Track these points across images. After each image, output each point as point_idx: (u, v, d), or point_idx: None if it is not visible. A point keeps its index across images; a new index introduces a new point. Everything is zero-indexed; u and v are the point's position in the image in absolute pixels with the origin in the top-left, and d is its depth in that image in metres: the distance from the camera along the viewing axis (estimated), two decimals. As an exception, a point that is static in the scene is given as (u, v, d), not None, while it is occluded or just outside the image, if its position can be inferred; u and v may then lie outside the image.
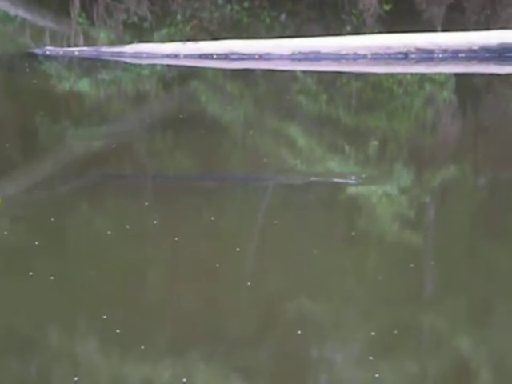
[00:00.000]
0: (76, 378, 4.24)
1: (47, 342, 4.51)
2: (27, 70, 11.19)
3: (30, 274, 5.19)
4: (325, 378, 4.30)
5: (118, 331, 4.53)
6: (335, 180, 6.69)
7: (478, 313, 4.89)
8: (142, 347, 4.41)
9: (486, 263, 5.43)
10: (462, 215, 6.27)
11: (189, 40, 11.75)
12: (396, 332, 4.61)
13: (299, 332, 4.54)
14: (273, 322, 4.76)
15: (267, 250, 5.61)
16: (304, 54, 11.27)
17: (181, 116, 9.04)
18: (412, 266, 5.34)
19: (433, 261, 5.51)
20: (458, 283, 5.16)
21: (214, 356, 4.37)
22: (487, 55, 11.10)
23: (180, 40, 11.87)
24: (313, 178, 6.72)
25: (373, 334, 4.59)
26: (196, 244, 5.61)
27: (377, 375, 4.23)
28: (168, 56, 11.42)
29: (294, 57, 11.26)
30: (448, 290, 5.09)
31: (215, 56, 11.34)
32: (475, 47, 11.12)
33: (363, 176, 6.84)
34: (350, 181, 6.71)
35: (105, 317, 4.73)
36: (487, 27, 12.05)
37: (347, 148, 7.81)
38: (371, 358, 4.39)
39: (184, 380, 4.15)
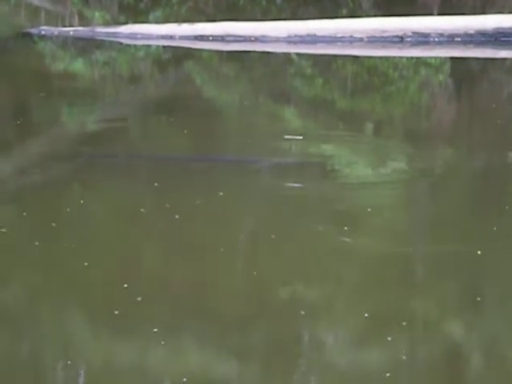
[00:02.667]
0: (68, 362, 4.24)
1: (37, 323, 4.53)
2: (22, 49, 11.14)
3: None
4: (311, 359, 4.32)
5: (116, 312, 4.55)
6: (322, 161, 6.70)
7: (470, 298, 4.90)
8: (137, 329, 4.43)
9: (478, 248, 5.45)
10: (453, 198, 6.28)
11: (184, 21, 11.70)
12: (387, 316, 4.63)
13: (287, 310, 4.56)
14: (264, 301, 4.78)
15: (256, 230, 5.61)
16: (300, 36, 11.24)
17: (175, 97, 9.02)
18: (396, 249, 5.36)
19: (416, 246, 5.52)
20: (447, 269, 5.18)
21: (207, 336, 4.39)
22: (483, 39, 11.08)
23: (175, 21, 11.83)
24: (304, 160, 6.72)
25: (366, 315, 4.61)
26: (181, 225, 5.62)
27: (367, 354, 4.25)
28: (163, 37, 11.38)
29: (290, 39, 11.23)
30: (435, 275, 5.11)
31: (211, 38, 11.30)
32: (471, 31, 11.10)
33: (355, 159, 6.85)
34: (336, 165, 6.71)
35: (97, 300, 4.74)
36: (483, 11, 12.02)
37: (341, 131, 7.80)
38: (363, 340, 4.41)
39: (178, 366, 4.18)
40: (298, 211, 5.92)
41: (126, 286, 4.81)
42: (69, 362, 4.20)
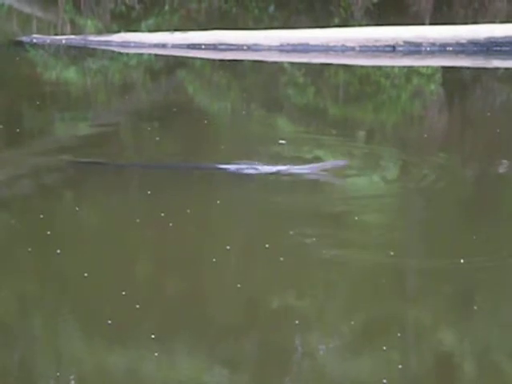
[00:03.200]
0: (61, 369, 4.22)
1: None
2: (14, 57, 11.12)
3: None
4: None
5: (109, 322, 4.53)
6: (314, 170, 6.69)
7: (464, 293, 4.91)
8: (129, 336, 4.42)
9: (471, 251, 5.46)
10: (442, 207, 6.28)
11: (177, 30, 11.72)
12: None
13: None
14: (256, 309, 4.77)
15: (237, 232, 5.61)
16: (292, 45, 11.26)
17: (167, 107, 9.02)
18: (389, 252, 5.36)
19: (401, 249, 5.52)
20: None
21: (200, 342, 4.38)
22: (475, 49, 11.12)
23: (168, 30, 11.84)
24: (296, 168, 6.72)
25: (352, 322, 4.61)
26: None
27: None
28: (156, 46, 11.38)
29: (283, 48, 11.25)
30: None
31: (203, 46, 11.31)
32: (463, 41, 11.14)
33: (348, 166, 6.84)
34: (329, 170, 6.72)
35: (91, 308, 4.72)
36: (475, 21, 12.08)
37: (333, 138, 7.80)
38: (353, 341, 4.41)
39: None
40: (289, 220, 5.92)
41: (124, 293, 4.81)
42: (61, 370, 4.17)
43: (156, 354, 4.29)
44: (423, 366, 4.37)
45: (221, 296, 4.94)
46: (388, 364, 4.33)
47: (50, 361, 4.35)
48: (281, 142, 6.62)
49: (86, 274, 5.03)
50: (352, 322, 4.66)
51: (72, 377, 4.19)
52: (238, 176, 6.67)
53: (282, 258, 5.27)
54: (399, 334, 4.55)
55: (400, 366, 4.32)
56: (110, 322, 4.56)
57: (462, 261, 5.25)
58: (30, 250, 5.38)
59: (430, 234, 5.86)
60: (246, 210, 6.11)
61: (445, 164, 7.15)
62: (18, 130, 7.96)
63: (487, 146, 7.79)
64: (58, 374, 4.20)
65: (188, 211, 5.92)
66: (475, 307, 4.84)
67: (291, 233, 5.63)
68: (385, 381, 4.13)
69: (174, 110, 8.83)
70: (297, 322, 4.62)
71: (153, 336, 4.43)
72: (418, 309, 4.86)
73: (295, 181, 6.62)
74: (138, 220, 5.81)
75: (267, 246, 5.44)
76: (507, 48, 11.06)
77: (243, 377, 4.28)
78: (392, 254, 5.40)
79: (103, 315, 4.62)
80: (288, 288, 5.00)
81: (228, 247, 5.47)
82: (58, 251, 5.34)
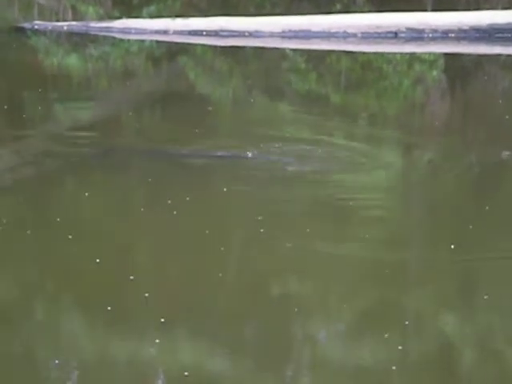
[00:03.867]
0: (57, 361, 4.24)
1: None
2: (15, 44, 11.10)
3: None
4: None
5: (108, 308, 4.54)
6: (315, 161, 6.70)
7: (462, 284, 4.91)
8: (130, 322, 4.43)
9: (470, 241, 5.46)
10: (445, 192, 6.28)
11: (178, 16, 11.69)
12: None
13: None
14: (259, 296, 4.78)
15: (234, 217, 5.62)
16: (294, 31, 11.23)
17: (168, 92, 9.01)
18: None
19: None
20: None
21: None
22: (477, 35, 11.09)
23: (169, 16, 11.82)
24: (295, 156, 6.72)
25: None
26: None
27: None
28: (157, 32, 11.35)
29: (285, 34, 11.22)
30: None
31: (205, 33, 11.28)
32: (465, 27, 11.11)
33: (347, 154, 6.84)
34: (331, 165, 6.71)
35: (92, 295, 4.74)
36: (477, 7, 12.03)
37: (333, 125, 7.80)
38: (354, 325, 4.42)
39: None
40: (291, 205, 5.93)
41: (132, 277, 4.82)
42: (64, 355, 4.19)
43: (159, 337, 4.31)
44: (426, 351, 4.38)
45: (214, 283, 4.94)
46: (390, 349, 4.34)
47: (50, 347, 4.37)
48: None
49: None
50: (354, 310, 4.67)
51: (70, 364, 4.21)
52: (245, 162, 6.67)
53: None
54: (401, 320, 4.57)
55: (400, 347, 4.33)
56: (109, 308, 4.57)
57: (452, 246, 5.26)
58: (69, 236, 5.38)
59: (429, 222, 5.86)
60: (251, 194, 6.11)
61: (446, 150, 7.14)
62: (18, 117, 7.96)
63: (490, 132, 7.77)
64: (57, 361, 4.22)
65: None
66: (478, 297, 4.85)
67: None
68: (394, 367, 4.16)
69: (175, 96, 8.82)
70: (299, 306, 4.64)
71: (162, 320, 4.45)
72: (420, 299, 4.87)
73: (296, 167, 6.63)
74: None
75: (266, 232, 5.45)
76: (509, 34, 11.03)
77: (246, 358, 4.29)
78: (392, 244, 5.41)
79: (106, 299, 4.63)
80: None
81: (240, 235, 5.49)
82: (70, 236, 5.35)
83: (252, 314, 4.62)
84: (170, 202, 5.79)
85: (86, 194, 6.05)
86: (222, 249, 5.23)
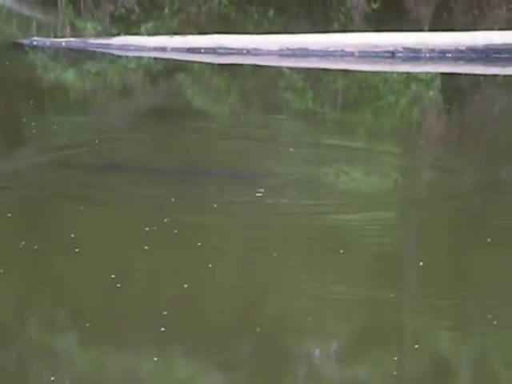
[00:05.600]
0: (52, 378, 4.21)
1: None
2: (13, 60, 11.12)
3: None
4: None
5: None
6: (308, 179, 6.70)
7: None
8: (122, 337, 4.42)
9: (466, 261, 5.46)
10: (441, 215, 6.28)
11: (176, 33, 11.73)
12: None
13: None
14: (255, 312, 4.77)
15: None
16: (292, 50, 11.27)
17: (166, 109, 9.02)
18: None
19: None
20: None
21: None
22: (474, 56, 11.14)
23: (167, 33, 11.85)
24: (290, 177, 6.73)
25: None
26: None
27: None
28: (155, 49, 11.39)
29: (282, 53, 11.26)
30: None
31: (203, 50, 11.32)
32: (462, 47, 11.16)
33: (346, 172, 6.85)
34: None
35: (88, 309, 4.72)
36: (474, 27, 12.09)
37: (330, 145, 7.80)
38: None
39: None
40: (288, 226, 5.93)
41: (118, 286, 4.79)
42: (56, 372, 4.17)
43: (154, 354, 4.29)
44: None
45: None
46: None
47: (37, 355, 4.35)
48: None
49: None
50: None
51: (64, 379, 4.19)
52: (244, 180, 6.67)
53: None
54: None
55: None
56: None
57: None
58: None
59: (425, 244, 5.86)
60: (249, 214, 6.11)
61: (443, 169, 7.16)
62: (15, 132, 7.96)
63: (486, 152, 7.79)
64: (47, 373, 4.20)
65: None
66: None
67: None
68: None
69: (172, 113, 8.82)
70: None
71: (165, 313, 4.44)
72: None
73: (293, 187, 6.63)
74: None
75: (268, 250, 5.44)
76: (506, 55, 11.08)
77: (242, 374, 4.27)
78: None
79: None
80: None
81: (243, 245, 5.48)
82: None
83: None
84: (166, 220, 5.79)
85: (85, 210, 6.04)
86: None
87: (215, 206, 6.08)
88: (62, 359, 4.35)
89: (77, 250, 5.37)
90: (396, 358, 4.36)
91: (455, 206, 6.40)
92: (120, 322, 4.63)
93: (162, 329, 4.49)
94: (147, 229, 5.66)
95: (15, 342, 4.43)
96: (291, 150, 7.56)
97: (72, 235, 5.58)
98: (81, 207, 6.08)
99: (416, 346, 4.45)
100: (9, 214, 5.94)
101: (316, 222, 5.96)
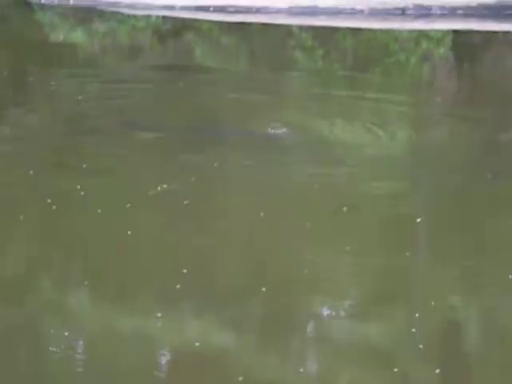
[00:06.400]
0: (66, 333, 4.25)
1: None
2: (21, 18, 11.07)
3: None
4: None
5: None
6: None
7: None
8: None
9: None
10: (451, 171, 6.25)
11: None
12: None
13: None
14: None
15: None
16: (301, 8, 11.17)
17: (175, 68, 8.99)
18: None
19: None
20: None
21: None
22: (485, 12, 11.02)
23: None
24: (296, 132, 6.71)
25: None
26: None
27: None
28: (164, 7, 11.31)
29: (292, 11, 11.16)
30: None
31: (212, 8, 11.23)
32: (473, 4, 11.03)
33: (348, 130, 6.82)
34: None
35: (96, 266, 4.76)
36: (486, -16, 11.94)
37: (336, 104, 7.76)
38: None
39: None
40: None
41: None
42: (69, 325, 4.21)
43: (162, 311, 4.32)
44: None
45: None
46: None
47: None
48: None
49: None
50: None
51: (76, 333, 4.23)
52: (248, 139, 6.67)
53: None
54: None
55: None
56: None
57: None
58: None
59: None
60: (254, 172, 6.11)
61: (452, 128, 7.12)
62: (22, 92, 7.94)
63: (497, 109, 7.74)
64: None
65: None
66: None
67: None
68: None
69: (181, 73, 8.79)
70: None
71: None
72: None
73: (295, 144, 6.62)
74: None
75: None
76: (518, 12, 10.96)
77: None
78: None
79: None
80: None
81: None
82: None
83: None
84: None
85: (96, 168, 6.04)
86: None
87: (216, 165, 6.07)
88: (80, 311, 4.39)
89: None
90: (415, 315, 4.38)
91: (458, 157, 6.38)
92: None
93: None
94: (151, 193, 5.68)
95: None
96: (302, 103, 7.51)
97: (82, 193, 5.60)
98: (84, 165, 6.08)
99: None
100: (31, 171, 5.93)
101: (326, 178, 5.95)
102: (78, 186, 5.60)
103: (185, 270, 4.64)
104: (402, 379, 3.91)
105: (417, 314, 4.33)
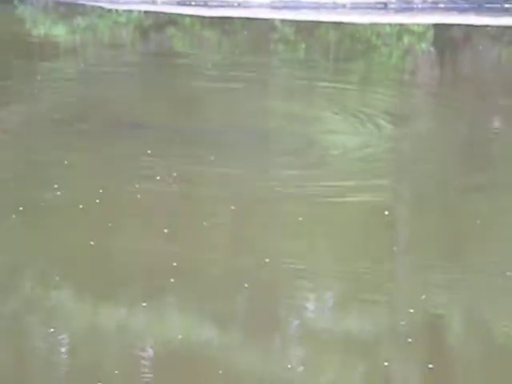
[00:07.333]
0: (51, 330, 4.24)
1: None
2: (2, 14, 11.01)
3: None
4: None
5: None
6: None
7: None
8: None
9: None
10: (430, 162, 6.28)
11: (167, -14, 11.60)
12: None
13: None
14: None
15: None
16: (284, 2, 11.17)
17: (155, 63, 8.96)
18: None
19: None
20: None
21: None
22: (466, 6, 11.06)
23: (158, -14, 11.72)
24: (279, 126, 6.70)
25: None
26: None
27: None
28: (145, 2, 11.27)
29: (274, 5, 11.16)
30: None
31: (193, 3, 11.20)
32: (455, -3, 11.09)
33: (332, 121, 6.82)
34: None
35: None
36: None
37: (320, 96, 7.76)
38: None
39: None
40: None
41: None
42: (53, 324, 4.20)
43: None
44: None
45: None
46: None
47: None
48: None
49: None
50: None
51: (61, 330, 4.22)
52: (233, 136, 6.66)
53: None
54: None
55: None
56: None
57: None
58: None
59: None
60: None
61: (434, 121, 7.15)
62: (3, 87, 7.90)
63: (477, 102, 7.77)
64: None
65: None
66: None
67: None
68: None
69: (162, 67, 8.77)
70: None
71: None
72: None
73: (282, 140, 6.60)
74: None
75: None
76: (498, 5, 11.01)
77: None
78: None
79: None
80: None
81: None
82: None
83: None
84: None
85: (78, 159, 6.01)
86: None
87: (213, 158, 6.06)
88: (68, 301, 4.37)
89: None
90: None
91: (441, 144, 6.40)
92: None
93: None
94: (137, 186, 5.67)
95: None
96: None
97: (58, 193, 5.56)
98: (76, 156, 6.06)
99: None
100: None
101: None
102: (56, 186, 5.58)
103: (175, 263, 4.62)
104: (390, 373, 3.92)
105: (404, 309, 4.34)
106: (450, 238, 5.12)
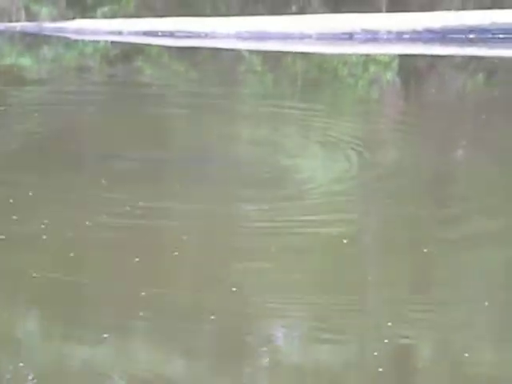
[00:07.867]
0: (20, 364, 4.16)
1: None
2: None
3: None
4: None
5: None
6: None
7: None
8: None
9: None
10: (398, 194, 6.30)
11: (133, 17, 11.61)
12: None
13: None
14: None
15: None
16: (250, 32, 11.23)
17: (122, 94, 8.95)
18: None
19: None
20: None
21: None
22: (431, 36, 11.20)
23: (123, 17, 11.73)
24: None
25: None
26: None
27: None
28: (111, 33, 11.27)
29: (241, 35, 11.21)
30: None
31: (160, 33, 11.22)
32: (419, 28, 11.21)
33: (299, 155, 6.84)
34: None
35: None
36: (431, 8, 12.15)
37: (287, 128, 7.79)
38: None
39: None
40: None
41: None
42: (20, 364, 4.13)
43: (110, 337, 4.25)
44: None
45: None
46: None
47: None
48: None
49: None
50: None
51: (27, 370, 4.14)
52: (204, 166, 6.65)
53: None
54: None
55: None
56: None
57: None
58: None
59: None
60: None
61: (401, 151, 7.19)
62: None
63: (443, 133, 7.84)
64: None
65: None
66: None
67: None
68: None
69: (129, 98, 8.75)
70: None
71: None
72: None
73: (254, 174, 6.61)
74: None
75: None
76: (462, 36, 11.16)
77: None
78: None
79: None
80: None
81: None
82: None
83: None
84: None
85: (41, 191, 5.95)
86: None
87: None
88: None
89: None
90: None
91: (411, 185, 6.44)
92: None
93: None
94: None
95: None
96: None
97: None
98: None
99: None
100: None
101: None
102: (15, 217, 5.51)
103: (143, 293, 4.57)
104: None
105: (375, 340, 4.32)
106: (420, 270, 5.13)
